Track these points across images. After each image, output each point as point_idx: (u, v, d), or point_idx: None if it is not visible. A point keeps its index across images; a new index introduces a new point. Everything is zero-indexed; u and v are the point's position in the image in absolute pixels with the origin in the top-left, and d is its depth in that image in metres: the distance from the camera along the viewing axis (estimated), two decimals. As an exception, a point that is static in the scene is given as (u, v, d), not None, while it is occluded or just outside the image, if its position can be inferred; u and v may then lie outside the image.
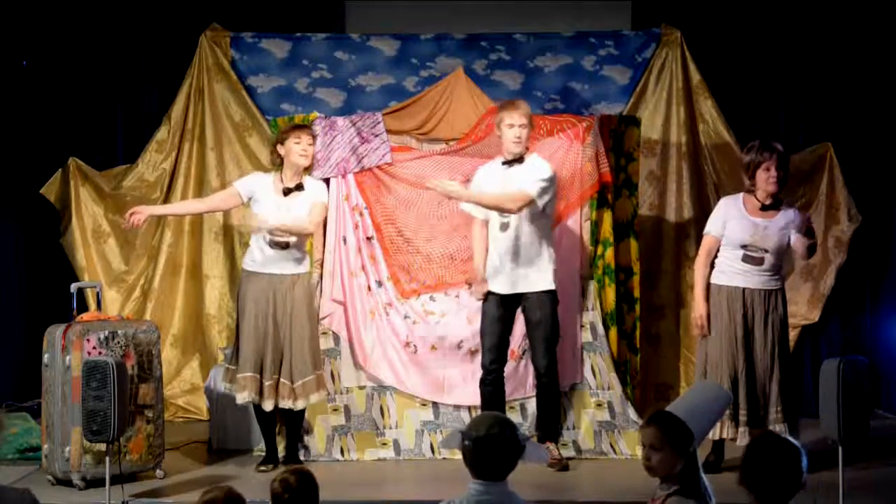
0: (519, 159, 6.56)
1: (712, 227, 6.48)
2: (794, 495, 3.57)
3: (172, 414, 7.97)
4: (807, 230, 6.31)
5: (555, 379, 6.63)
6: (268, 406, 6.45)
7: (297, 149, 6.53)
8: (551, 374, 6.59)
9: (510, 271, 6.54)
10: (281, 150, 6.58)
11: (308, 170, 6.65)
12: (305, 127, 6.74)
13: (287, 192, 6.53)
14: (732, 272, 6.35)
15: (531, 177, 6.48)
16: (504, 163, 6.58)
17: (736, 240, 6.34)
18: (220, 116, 8.25)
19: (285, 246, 6.48)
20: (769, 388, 6.30)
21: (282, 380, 6.46)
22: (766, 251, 6.31)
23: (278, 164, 6.64)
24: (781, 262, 6.41)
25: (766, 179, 6.32)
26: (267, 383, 6.44)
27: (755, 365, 6.29)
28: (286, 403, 6.46)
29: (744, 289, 6.32)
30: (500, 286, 6.57)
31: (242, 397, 6.46)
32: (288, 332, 6.46)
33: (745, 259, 6.32)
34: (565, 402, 6.95)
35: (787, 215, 6.37)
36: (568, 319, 6.94)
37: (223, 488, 3.74)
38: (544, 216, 6.57)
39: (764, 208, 6.35)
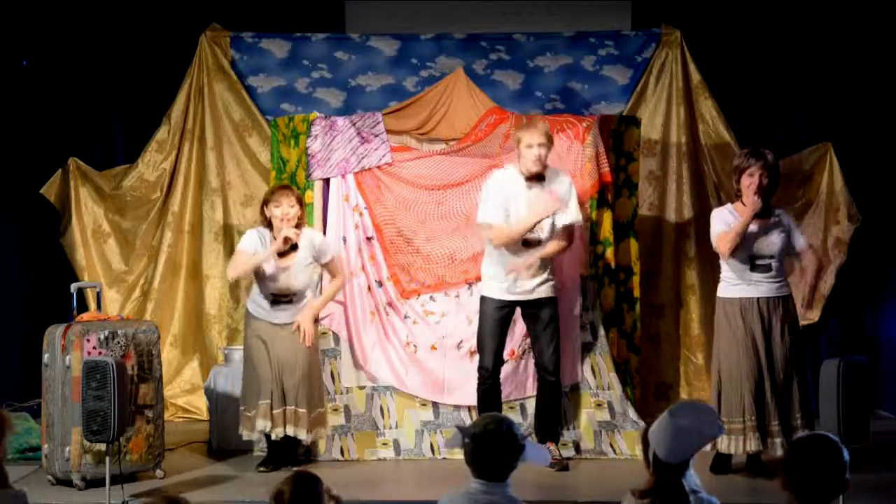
0: (539, 176, 6.53)
1: (724, 226, 6.33)
2: (838, 496, 3.55)
3: (172, 414, 7.98)
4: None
5: (559, 378, 6.64)
6: (276, 434, 6.46)
7: (277, 213, 6.49)
8: (558, 372, 6.61)
9: (526, 281, 6.50)
10: (267, 212, 6.55)
11: (300, 226, 6.54)
12: (287, 188, 6.65)
13: (282, 255, 6.49)
14: (744, 284, 6.29)
15: (571, 206, 6.53)
16: (527, 179, 6.51)
17: (743, 252, 6.30)
18: (220, 116, 8.26)
19: (289, 303, 6.51)
20: (791, 394, 6.26)
21: (288, 407, 6.47)
22: (773, 257, 6.29)
23: (266, 224, 6.57)
24: (783, 265, 6.39)
25: (748, 185, 6.26)
26: (276, 411, 6.44)
27: (775, 373, 6.23)
28: (290, 430, 6.48)
29: (757, 298, 6.28)
30: (512, 294, 6.53)
31: (262, 425, 6.44)
32: (289, 368, 6.47)
33: (755, 269, 6.28)
34: (565, 402, 6.94)
35: (780, 219, 6.35)
36: (568, 319, 6.94)
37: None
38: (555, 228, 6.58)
39: (757, 216, 6.30)
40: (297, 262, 6.52)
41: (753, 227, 6.26)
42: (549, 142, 6.49)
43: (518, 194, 6.50)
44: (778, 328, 6.26)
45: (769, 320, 6.27)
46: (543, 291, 6.55)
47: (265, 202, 6.58)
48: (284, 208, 6.49)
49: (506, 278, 6.50)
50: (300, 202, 6.57)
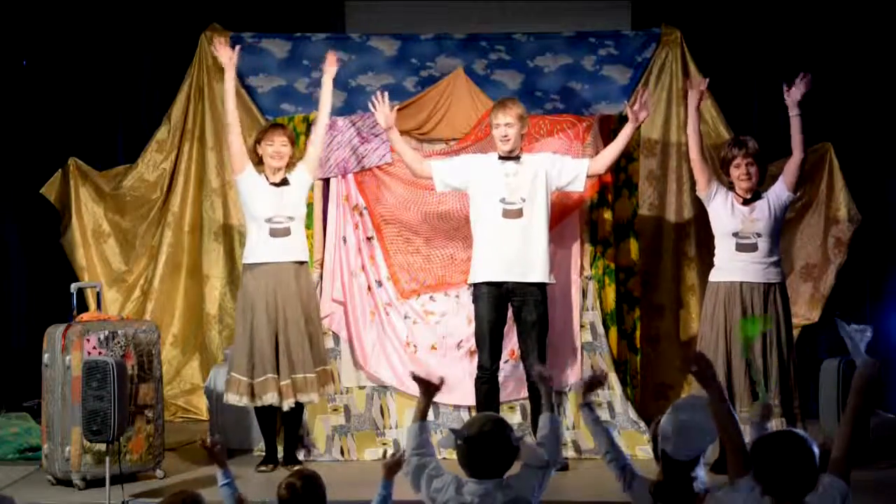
0: (515, 157, 6.55)
1: (716, 200, 6.46)
2: (809, 492, 3.54)
3: (172, 414, 7.98)
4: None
5: None
6: (286, 405, 6.46)
7: (269, 151, 6.58)
8: None
9: (513, 257, 6.47)
10: (259, 150, 6.64)
11: (292, 166, 6.66)
12: (279, 127, 6.76)
13: (275, 185, 6.58)
14: (730, 267, 6.34)
15: (555, 160, 6.58)
16: (500, 157, 6.57)
17: (726, 229, 6.34)
18: (220, 116, 8.25)
19: (286, 233, 6.49)
20: (768, 383, 6.28)
21: (295, 375, 6.47)
22: (759, 235, 6.31)
23: (258, 163, 6.67)
24: (777, 248, 6.40)
25: (737, 176, 6.37)
26: (283, 383, 6.44)
27: (754, 360, 6.27)
28: (301, 398, 6.49)
29: (741, 283, 6.31)
30: (497, 273, 6.51)
31: (269, 398, 6.45)
32: (295, 327, 6.46)
33: (739, 248, 6.32)
34: (565, 402, 6.94)
35: (770, 196, 6.38)
36: (568, 319, 6.94)
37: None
38: (547, 205, 6.56)
39: (746, 202, 6.36)
40: (289, 189, 6.57)
41: (742, 207, 6.34)
42: (520, 121, 6.52)
43: (490, 172, 6.53)
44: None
45: (753, 308, 6.28)
46: (541, 273, 6.52)
47: (257, 140, 6.64)
48: (277, 146, 6.57)
49: (498, 257, 6.48)
50: (292, 141, 6.66)
